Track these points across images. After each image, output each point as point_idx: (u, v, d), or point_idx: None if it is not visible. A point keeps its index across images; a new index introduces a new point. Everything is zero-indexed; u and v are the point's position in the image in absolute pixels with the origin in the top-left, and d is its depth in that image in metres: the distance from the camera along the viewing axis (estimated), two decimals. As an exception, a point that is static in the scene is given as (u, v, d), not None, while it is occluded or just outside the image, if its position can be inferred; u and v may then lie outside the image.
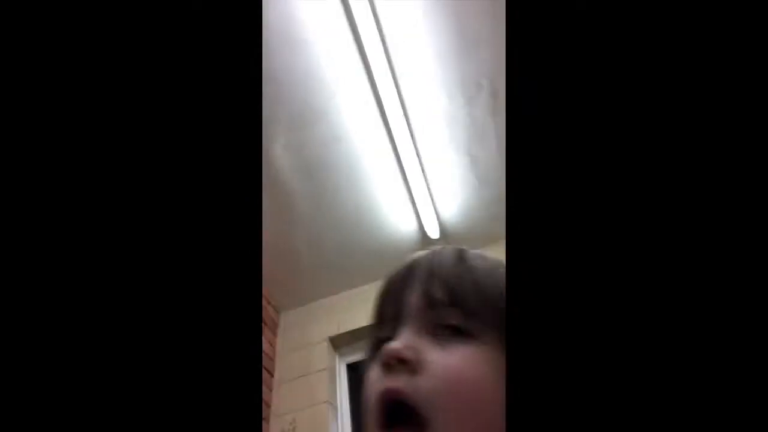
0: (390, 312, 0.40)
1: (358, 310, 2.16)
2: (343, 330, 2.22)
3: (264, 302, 2.24)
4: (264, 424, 1.97)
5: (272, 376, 2.17)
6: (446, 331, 0.37)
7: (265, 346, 2.17)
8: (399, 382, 0.35)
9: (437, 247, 0.43)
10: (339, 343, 2.26)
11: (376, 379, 0.37)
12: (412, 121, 1.82)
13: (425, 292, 0.39)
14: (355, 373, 2.22)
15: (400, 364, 0.35)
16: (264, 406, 2.00)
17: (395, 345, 0.36)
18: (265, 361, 2.13)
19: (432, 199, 2.07)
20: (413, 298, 0.39)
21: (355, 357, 2.25)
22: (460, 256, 0.41)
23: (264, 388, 2.05)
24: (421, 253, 0.43)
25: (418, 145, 1.89)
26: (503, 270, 0.40)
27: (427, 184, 2.02)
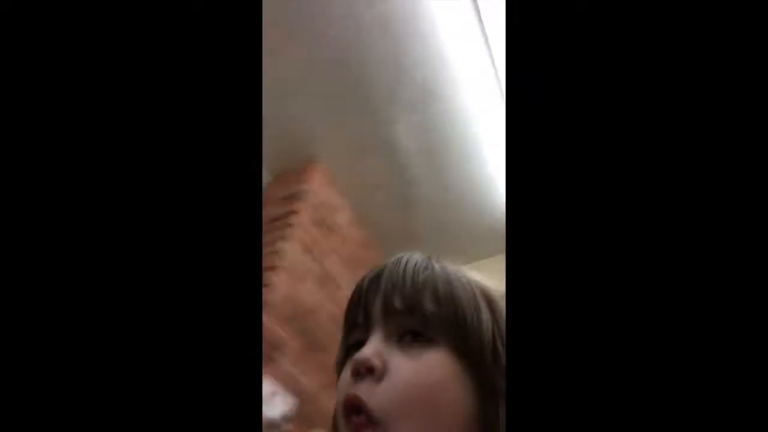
0: (359, 318, 0.42)
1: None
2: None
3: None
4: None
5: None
6: (408, 337, 0.39)
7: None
8: (360, 389, 0.37)
9: (405, 255, 0.44)
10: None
11: (345, 385, 0.39)
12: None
13: (387, 300, 0.41)
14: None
15: (368, 371, 0.38)
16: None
17: (365, 353, 0.38)
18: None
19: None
20: (378, 305, 0.41)
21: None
22: (425, 265, 0.43)
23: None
24: (389, 261, 0.44)
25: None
26: (465, 279, 0.42)
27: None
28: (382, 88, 1.73)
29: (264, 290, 1.62)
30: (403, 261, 0.43)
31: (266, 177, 2.05)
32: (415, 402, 0.37)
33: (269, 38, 1.61)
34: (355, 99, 1.77)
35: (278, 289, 1.69)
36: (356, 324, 0.43)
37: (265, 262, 1.70)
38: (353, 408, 0.37)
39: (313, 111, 1.83)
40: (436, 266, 0.43)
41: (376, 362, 0.38)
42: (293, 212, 1.86)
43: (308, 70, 1.70)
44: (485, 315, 0.41)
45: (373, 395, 0.37)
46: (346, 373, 0.40)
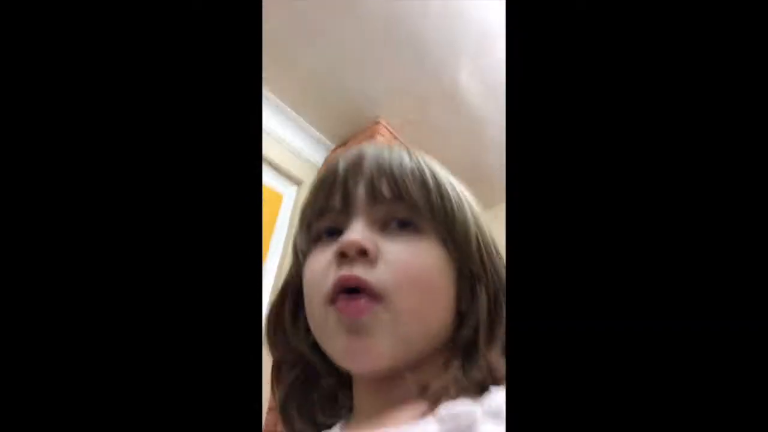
0: (335, 203, 0.41)
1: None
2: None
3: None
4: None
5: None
6: (394, 225, 0.39)
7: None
8: (357, 270, 0.36)
9: (382, 146, 0.43)
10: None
11: (325, 266, 0.38)
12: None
13: (373, 186, 0.40)
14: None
15: (358, 255, 0.37)
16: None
17: (354, 236, 0.37)
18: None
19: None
20: (361, 191, 0.40)
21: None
22: (408, 155, 0.42)
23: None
24: (367, 146, 0.43)
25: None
26: (447, 177, 0.42)
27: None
28: (441, 38, 1.65)
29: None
30: (386, 149, 0.42)
31: (335, 143, 2.05)
32: (413, 280, 0.37)
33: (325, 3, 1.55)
34: (415, 53, 1.70)
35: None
36: (329, 209, 0.41)
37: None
38: (349, 288, 0.37)
39: (373, 71, 1.78)
40: (421, 159, 0.42)
41: (369, 245, 0.37)
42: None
43: (365, 31, 1.64)
44: (467, 210, 0.42)
45: (372, 274, 0.37)
46: (323, 256, 0.40)
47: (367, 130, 1.95)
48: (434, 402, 0.35)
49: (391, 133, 1.97)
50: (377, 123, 1.93)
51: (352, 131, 1.98)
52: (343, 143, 2.03)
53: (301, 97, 1.87)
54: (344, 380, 0.44)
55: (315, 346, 0.42)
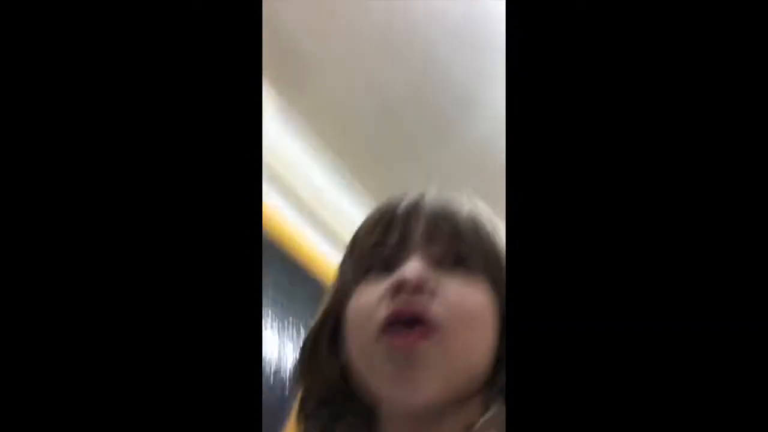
0: (394, 238, 0.41)
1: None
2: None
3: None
4: None
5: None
6: (448, 263, 0.40)
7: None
8: (414, 306, 0.37)
9: (440, 190, 0.44)
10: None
11: (378, 299, 0.38)
12: None
13: (432, 224, 0.41)
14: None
15: (415, 290, 0.37)
16: None
17: (414, 270, 0.38)
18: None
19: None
20: (419, 228, 0.41)
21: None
22: (465, 199, 0.44)
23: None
24: (427, 191, 0.44)
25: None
26: (496, 219, 0.43)
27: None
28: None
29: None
30: (444, 194, 0.44)
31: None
32: (468, 316, 0.38)
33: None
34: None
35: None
36: (385, 243, 0.42)
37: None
38: (407, 320, 0.37)
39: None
40: (476, 203, 0.44)
41: (428, 279, 0.38)
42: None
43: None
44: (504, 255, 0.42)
45: (432, 306, 0.37)
46: (375, 288, 0.40)
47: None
48: None
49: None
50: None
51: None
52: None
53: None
54: (372, 418, 0.43)
55: (347, 380, 0.42)
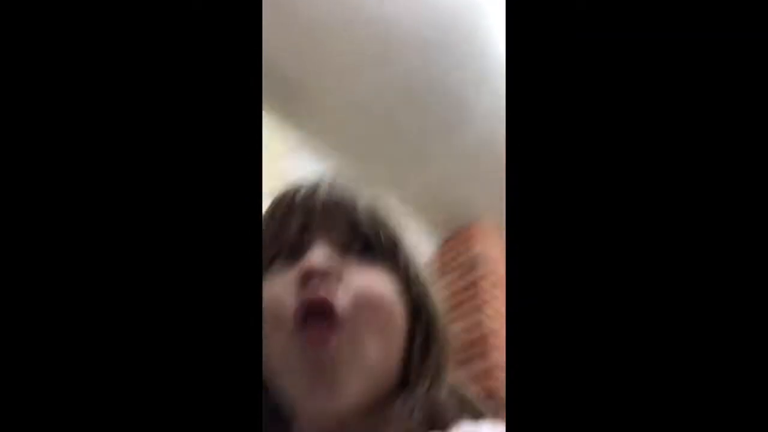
0: (293, 227, 0.41)
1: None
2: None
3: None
4: None
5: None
6: (351, 252, 0.39)
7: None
8: (321, 292, 0.36)
9: (333, 177, 0.44)
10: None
11: (285, 290, 0.37)
12: None
13: (332, 211, 0.41)
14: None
15: (321, 277, 0.36)
16: None
17: (317, 258, 0.37)
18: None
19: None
20: (321, 219, 0.40)
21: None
22: (356, 189, 0.43)
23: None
24: (320, 179, 0.44)
25: None
26: (392, 211, 0.43)
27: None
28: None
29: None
30: (341, 181, 0.44)
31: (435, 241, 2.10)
32: (374, 308, 0.37)
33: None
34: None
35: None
36: (285, 233, 0.41)
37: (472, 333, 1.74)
38: (317, 311, 0.35)
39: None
40: (375, 192, 0.44)
41: (332, 266, 0.37)
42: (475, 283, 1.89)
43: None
44: (408, 243, 0.43)
45: (336, 298, 0.36)
46: (280, 279, 0.38)
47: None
48: None
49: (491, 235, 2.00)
50: (477, 222, 1.98)
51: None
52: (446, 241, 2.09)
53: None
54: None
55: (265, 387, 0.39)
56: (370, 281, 0.38)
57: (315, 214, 0.41)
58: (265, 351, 0.36)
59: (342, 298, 0.36)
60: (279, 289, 0.38)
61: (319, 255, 0.37)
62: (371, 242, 0.40)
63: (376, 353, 0.37)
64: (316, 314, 0.35)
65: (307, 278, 0.36)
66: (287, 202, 0.43)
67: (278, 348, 0.36)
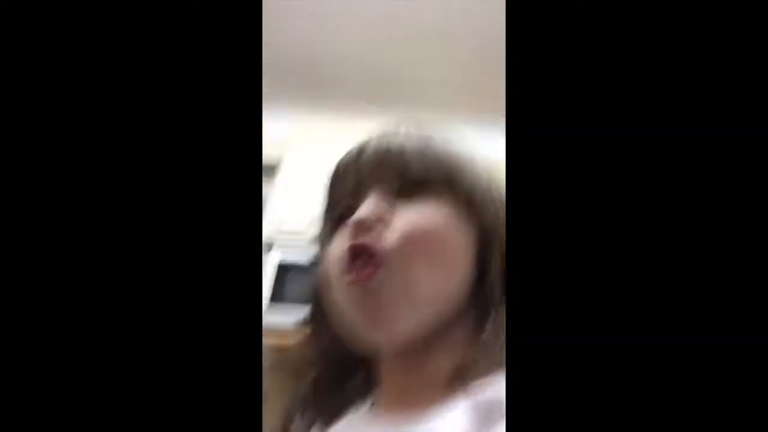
0: (347, 186, 0.42)
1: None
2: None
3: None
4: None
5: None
6: (405, 194, 0.40)
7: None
8: (364, 238, 0.37)
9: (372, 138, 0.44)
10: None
11: (341, 243, 0.39)
12: None
13: (380, 161, 0.41)
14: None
15: (367, 226, 0.38)
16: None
17: (364, 212, 0.38)
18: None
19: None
20: (370, 175, 0.41)
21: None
22: (403, 131, 0.43)
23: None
24: (361, 141, 0.44)
25: None
26: (445, 140, 0.43)
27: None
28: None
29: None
30: (388, 130, 0.44)
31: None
32: (423, 242, 0.37)
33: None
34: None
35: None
36: (343, 194, 0.43)
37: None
38: (357, 255, 0.37)
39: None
40: (424, 131, 0.44)
41: (373, 216, 0.38)
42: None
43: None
44: (475, 168, 0.43)
45: (379, 240, 0.37)
46: (340, 240, 0.40)
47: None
48: (463, 380, 0.35)
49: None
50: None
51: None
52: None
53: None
54: (370, 370, 0.44)
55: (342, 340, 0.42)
56: (418, 218, 0.39)
57: (363, 172, 0.42)
58: (336, 306, 0.41)
59: (387, 238, 0.37)
60: (335, 248, 0.40)
61: (365, 207, 0.39)
62: (423, 181, 0.41)
63: (428, 285, 0.37)
64: (361, 258, 0.37)
65: (355, 230, 0.38)
66: (339, 168, 0.44)
67: (337, 299, 0.40)
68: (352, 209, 0.41)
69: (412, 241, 0.37)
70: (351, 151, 0.44)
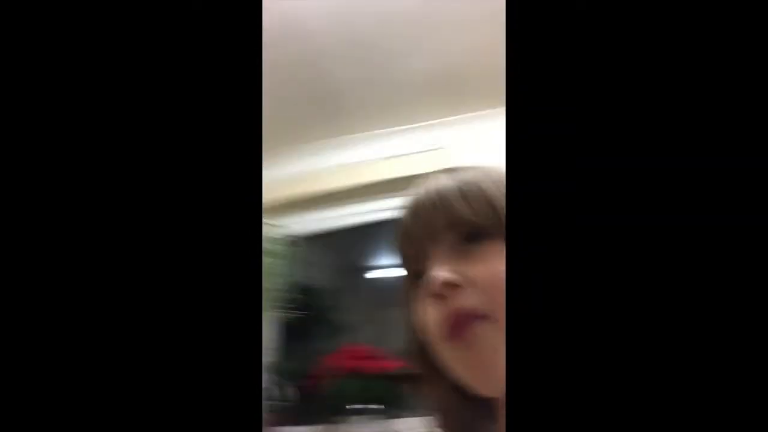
0: (413, 242, 0.44)
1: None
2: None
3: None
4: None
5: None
6: (468, 239, 0.41)
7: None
8: (457, 302, 0.39)
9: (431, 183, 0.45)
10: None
11: (428, 308, 0.41)
12: None
13: (440, 212, 0.43)
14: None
15: (450, 289, 0.39)
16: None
17: (437, 275, 0.40)
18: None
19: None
20: (429, 219, 0.43)
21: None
22: (459, 178, 0.44)
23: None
24: (416, 193, 0.45)
25: None
26: (499, 176, 0.44)
27: None
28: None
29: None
30: (433, 184, 0.45)
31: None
32: (500, 291, 0.38)
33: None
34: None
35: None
36: (411, 250, 0.44)
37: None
38: (460, 319, 0.39)
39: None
40: (469, 173, 0.45)
41: (453, 276, 0.40)
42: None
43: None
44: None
45: (469, 300, 0.39)
46: (419, 300, 0.43)
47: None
48: None
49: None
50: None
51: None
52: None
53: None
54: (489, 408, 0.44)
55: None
56: (491, 268, 0.40)
57: (425, 224, 0.44)
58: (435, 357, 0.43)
59: (476, 297, 0.39)
60: (430, 314, 0.42)
61: (437, 271, 0.41)
62: (480, 226, 0.42)
63: None
64: (458, 322, 0.39)
65: (441, 294, 0.40)
66: (401, 227, 0.46)
67: (443, 353, 0.42)
68: (424, 263, 0.43)
69: (495, 291, 0.38)
70: (406, 208, 0.46)
